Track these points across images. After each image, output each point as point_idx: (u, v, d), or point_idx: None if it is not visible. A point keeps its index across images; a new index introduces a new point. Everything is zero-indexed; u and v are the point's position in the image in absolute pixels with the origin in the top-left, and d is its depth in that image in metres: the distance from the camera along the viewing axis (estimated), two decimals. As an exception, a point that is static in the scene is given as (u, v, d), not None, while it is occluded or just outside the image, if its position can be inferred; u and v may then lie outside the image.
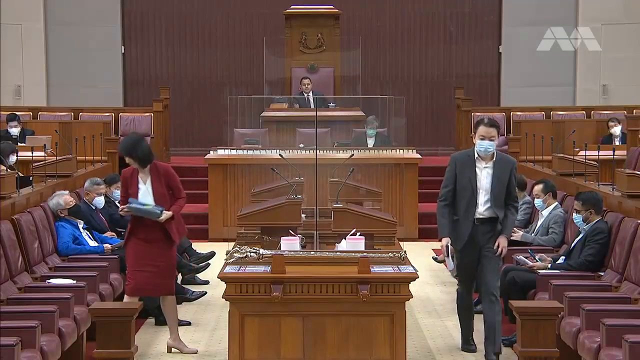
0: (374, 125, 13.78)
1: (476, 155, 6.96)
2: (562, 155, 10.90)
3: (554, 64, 17.73)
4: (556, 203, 9.04)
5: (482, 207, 6.96)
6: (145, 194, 7.13)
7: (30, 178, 9.53)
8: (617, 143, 13.67)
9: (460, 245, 7.01)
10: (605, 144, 12.88)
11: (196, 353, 7.33)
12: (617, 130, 14.19)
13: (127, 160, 7.17)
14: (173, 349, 7.38)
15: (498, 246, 6.94)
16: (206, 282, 9.82)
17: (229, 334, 6.22)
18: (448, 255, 7.05)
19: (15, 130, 13.59)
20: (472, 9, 18.30)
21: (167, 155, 15.78)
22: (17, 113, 14.34)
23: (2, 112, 14.53)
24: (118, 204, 9.65)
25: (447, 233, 7.03)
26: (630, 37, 17.50)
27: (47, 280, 7.50)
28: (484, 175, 6.95)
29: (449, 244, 7.00)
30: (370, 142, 13.79)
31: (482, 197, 6.95)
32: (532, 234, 9.01)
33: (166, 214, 7.07)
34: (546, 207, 8.96)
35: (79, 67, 17.87)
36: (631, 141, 12.94)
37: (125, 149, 7.16)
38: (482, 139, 6.93)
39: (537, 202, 9.00)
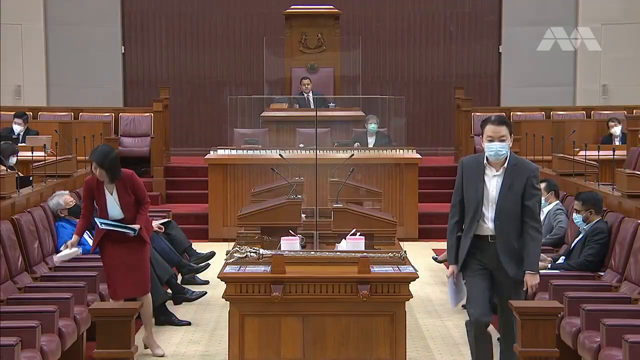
0: (374, 119, 13.79)
1: (486, 161, 5.82)
2: (562, 155, 10.90)
3: (554, 64, 17.73)
4: (557, 202, 9.05)
5: (488, 224, 5.81)
6: (113, 205, 7.10)
7: (30, 178, 9.52)
8: (617, 143, 13.67)
9: (459, 268, 5.95)
10: (606, 144, 12.88)
11: (162, 356, 7.33)
12: (617, 130, 14.19)
13: (98, 171, 7.03)
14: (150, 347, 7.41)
15: (526, 288, 5.88)
16: (206, 282, 9.82)
17: (229, 334, 6.22)
18: (453, 286, 6.03)
19: (18, 128, 13.57)
20: (472, 9, 18.29)
21: (167, 155, 15.78)
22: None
23: (9, 112, 14.56)
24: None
25: (453, 259, 5.97)
26: (630, 37, 17.49)
27: (54, 257, 7.59)
28: (493, 185, 5.79)
29: (454, 274, 5.98)
30: (371, 141, 13.79)
31: (489, 211, 5.80)
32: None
33: (136, 227, 7.06)
34: (548, 204, 8.97)
35: (79, 67, 17.86)
36: (631, 141, 12.93)
37: (99, 160, 7.02)
38: (490, 141, 5.78)
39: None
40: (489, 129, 5.80)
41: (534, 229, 5.76)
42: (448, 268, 6.10)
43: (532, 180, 5.76)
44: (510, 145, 5.81)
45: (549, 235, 8.76)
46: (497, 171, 5.79)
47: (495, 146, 5.75)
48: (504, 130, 5.77)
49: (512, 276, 5.81)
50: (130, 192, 7.10)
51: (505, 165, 5.78)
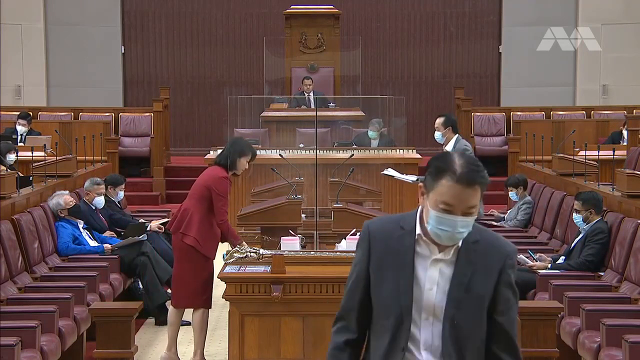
0: (375, 127, 13.74)
1: (420, 233, 3.03)
2: (562, 155, 10.90)
3: (554, 64, 17.73)
4: (457, 136, 8.90)
5: (422, 356, 3.02)
6: None
7: (30, 178, 9.52)
8: (625, 143, 13.61)
9: None
10: (614, 143, 12.85)
11: None
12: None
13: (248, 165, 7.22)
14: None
15: None
16: (206, 282, 9.80)
17: (229, 334, 6.22)
18: None
19: (21, 129, 13.55)
20: (472, 9, 18.30)
21: (167, 156, 15.78)
22: (19, 113, 14.32)
23: (9, 112, 14.56)
24: (118, 204, 9.69)
25: None
26: (630, 37, 17.50)
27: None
28: (433, 279, 3.02)
29: None
30: (374, 144, 13.77)
31: (426, 331, 3.03)
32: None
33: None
34: (446, 142, 8.81)
35: (79, 67, 17.86)
36: (631, 141, 12.93)
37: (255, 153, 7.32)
38: (446, 210, 2.93)
39: (437, 134, 8.89)
40: (450, 189, 2.92)
41: None
42: None
43: (507, 273, 3.04)
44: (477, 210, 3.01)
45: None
46: (441, 253, 3.02)
47: (454, 222, 2.93)
48: (477, 195, 2.94)
49: None
50: None
51: (459, 243, 3.01)
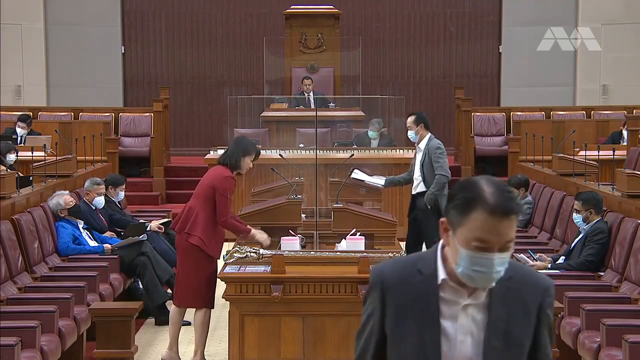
0: (375, 127, 13.74)
1: (445, 278, 2.63)
2: (562, 155, 10.89)
3: (554, 64, 17.73)
4: (429, 135, 9.01)
5: None
6: None
7: (30, 178, 9.52)
8: (625, 143, 13.62)
9: None
10: (614, 143, 12.85)
11: None
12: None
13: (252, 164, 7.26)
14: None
15: None
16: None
17: (229, 334, 6.22)
18: None
19: (21, 131, 13.53)
20: (472, 9, 18.30)
21: (167, 156, 15.77)
22: (19, 113, 14.33)
23: (9, 112, 14.55)
24: (119, 204, 9.68)
25: None
26: (630, 37, 17.49)
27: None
28: (466, 328, 2.62)
29: None
30: (374, 143, 13.77)
31: None
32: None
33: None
34: (419, 140, 9.00)
35: (79, 67, 17.86)
36: (631, 141, 12.93)
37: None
38: (480, 249, 2.53)
39: (410, 133, 9.10)
40: (485, 223, 2.52)
41: None
42: None
43: (547, 314, 2.69)
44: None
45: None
46: (471, 297, 2.62)
47: (491, 261, 2.54)
48: (514, 226, 2.55)
49: None
50: None
51: (495, 287, 2.62)
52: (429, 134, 9.00)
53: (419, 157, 8.97)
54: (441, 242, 2.64)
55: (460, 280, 2.58)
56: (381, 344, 2.69)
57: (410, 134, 9.08)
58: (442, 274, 2.61)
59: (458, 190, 2.58)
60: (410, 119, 9.05)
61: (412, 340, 2.61)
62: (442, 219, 2.60)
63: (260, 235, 7.07)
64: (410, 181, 9.14)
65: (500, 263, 2.53)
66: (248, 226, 7.09)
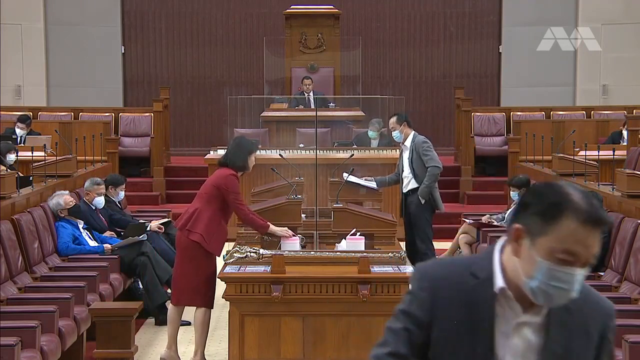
0: (375, 127, 13.72)
1: (506, 290, 2.34)
2: (562, 155, 10.90)
3: (554, 64, 17.72)
4: (413, 132, 9.35)
5: None
6: None
7: (30, 178, 9.52)
8: (625, 143, 13.61)
9: None
10: (614, 143, 12.85)
11: None
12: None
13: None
14: None
15: None
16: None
17: (229, 334, 6.22)
18: None
19: (20, 132, 13.52)
20: (472, 9, 18.30)
21: (167, 156, 15.77)
22: (19, 113, 14.32)
23: (9, 112, 14.54)
24: (119, 204, 9.69)
25: None
26: (630, 37, 17.49)
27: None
28: (517, 349, 2.35)
29: None
30: (374, 143, 13.76)
31: None
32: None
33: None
34: (404, 139, 9.31)
35: (79, 67, 17.86)
36: (631, 141, 12.93)
37: None
38: (565, 262, 2.27)
39: (395, 134, 9.41)
40: (576, 233, 2.29)
41: None
42: None
43: (609, 341, 2.47)
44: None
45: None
46: (527, 314, 2.37)
47: (572, 277, 2.30)
48: (600, 239, 2.34)
49: None
50: None
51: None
52: (413, 131, 9.32)
53: (406, 155, 9.24)
54: (497, 247, 2.37)
55: (519, 293, 2.29)
56: (418, 347, 2.37)
57: (395, 134, 9.38)
58: (500, 282, 2.31)
59: (537, 195, 2.30)
60: (393, 120, 9.36)
61: (461, 351, 2.32)
62: (518, 226, 2.29)
63: (279, 230, 7.06)
64: (398, 181, 9.35)
65: (580, 281, 2.27)
66: (267, 222, 7.10)
